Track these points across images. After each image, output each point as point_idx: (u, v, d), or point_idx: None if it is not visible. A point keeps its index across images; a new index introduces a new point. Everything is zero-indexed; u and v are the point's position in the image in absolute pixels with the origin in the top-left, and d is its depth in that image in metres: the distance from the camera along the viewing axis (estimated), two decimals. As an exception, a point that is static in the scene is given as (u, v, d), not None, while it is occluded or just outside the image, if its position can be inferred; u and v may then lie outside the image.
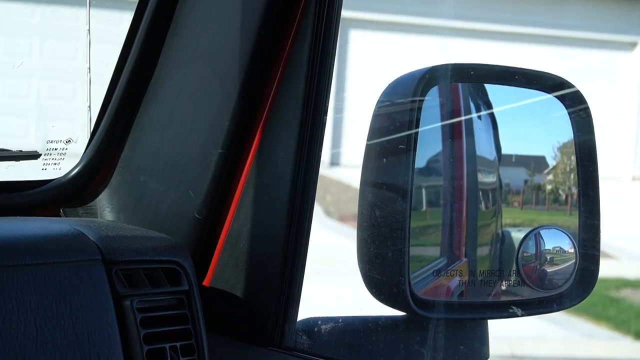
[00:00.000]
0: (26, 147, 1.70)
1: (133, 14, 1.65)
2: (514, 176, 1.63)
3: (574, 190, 1.62)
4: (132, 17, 1.66)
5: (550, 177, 1.64)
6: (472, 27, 14.84)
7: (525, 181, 1.62)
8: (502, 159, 1.63)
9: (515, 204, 1.61)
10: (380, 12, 14.87)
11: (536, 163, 1.64)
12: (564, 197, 1.64)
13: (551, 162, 1.64)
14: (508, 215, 1.61)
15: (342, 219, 11.47)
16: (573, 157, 1.63)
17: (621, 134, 15.89)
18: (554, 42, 15.81)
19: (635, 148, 16.14)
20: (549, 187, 1.65)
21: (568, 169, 1.63)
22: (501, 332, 6.59)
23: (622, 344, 7.79)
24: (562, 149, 1.64)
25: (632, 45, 16.58)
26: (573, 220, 1.62)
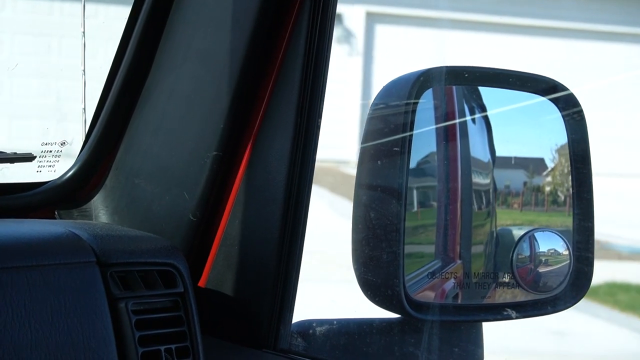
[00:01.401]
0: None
1: (128, 16, 1.65)
2: (514, 178, 1.63)
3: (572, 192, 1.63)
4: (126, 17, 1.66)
5: (549, 179, 1.65)
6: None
7: (525, 183, 1.63)
8: (502, 161, 1.63)
9: (516, 205, 1.62)
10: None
11: (535, 165, 1.64)
12: (562, 198, 1.64)
13: (550, 164, 1.65)
14: (508, 217, 1.61)
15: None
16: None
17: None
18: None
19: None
20: (547, 188, 1.65)
21: (566, 171, 1.63)
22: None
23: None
24: (560, 150, 1.64)
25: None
26: (571, 221, 1.62)
